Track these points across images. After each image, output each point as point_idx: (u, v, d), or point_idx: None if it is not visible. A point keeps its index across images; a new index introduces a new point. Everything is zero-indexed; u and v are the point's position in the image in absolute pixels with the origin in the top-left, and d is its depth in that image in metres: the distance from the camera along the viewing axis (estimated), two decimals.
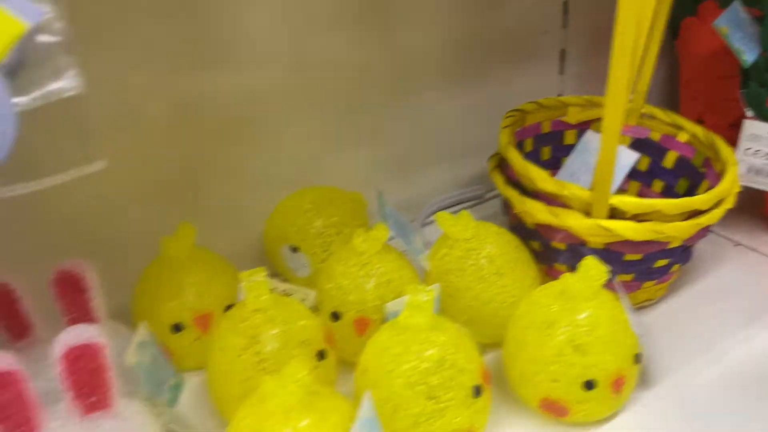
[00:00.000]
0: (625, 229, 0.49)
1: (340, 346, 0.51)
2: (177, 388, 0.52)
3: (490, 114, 0.76)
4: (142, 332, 0.49)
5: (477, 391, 0.44)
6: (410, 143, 0.73)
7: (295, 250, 0.60)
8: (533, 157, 0.67)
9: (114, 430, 0.40)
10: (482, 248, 0.52)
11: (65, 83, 0.29)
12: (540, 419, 0.48)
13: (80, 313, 0.47)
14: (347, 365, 0.51)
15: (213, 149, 0.60)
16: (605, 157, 0.47)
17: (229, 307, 0.54)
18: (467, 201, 0.78)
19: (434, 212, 0.74)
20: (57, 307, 0.47)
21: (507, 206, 0.59)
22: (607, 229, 0.49)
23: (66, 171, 0.28)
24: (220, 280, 0.55)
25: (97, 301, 0.47)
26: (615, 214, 0.50)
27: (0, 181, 0.25)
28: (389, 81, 0.69)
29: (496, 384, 0.48)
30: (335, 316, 0.52)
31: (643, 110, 0.65)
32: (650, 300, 0.59)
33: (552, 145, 0.68)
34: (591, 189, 0.50)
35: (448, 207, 0.77)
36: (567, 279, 0.45)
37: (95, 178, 0.54)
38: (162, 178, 0.58)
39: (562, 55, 0.82)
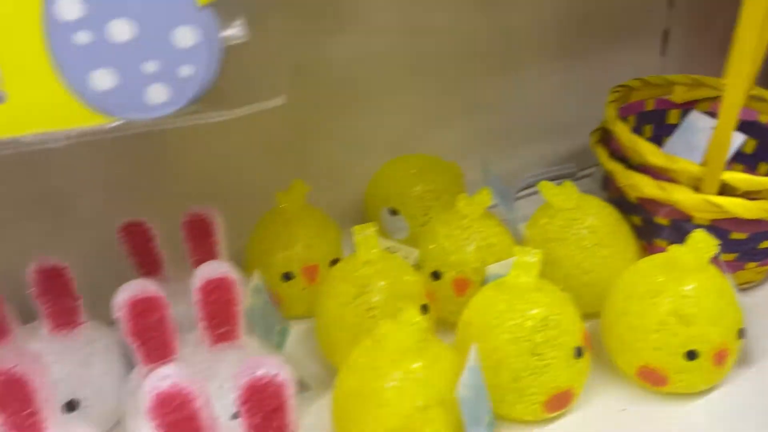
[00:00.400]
0: (735, 206, 0.49)
1: (439, 305, 0.53)
2: (284, 333, 0.56)
3: (585, 92, 0.76)
4: (256, 278, 0.52)
5: (579, 352, 0.45)
6: (506, 118, 0.74)
7: (394, 212, 0.63)
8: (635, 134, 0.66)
9: (238, 361, 0.44)
10: (585, 219, 0.53)
11: (234, 31, 0.32)
12: (636, 388, 0.49)
13: (205, 256, 0.51)
14: (444, 324, 0.53)
15: (323, 112, 0.63)
16: (721, 132, 0.47)
17: (334, 262, 0.57)
18: (559, 178, 0.78)
19: (524, 188, 0.75)
20: (184, 249, 0.51)
21: (608, 180, 0.59)
22: (716, 205, 0.49)
23: (251, 104, 0.31)
24: (326, 235, 0.58)
25: (221, 245, 0.51)
26: (724, 191, 0.50)
27: (198, 108, 0.28)
28: (492, 55, 0.70)
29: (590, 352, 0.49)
30: (436, 275, 0.54)
31: (752, 92, 0.64)
32: (750, 282, 0.58)
33: (654, 124, 0.67)
34: (702, 164, 0.50)
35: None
36: (675, 251, 0.46)
37: (220, 133, 0.58)
38: (276, 137, 0.61)
39: (665, 35, 0.81)
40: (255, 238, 0.58)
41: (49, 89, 0.25)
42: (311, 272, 0.56)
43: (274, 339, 0.54)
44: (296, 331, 0.57)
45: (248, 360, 0.35)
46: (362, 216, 0.67)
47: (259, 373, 0.34)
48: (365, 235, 0.49)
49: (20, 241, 0.48)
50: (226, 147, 0.57)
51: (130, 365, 0.49)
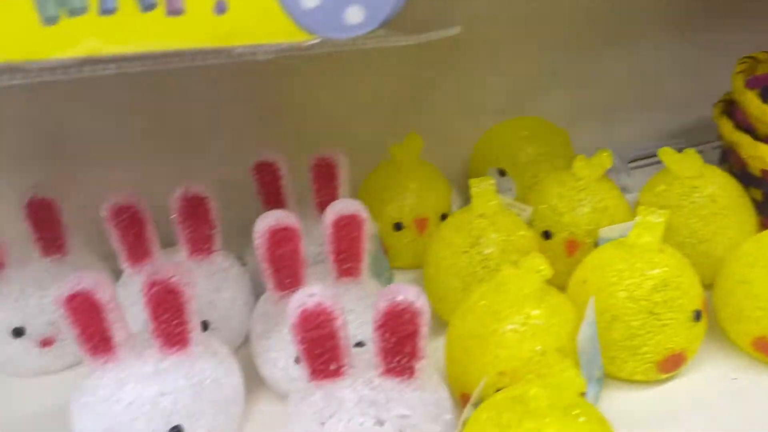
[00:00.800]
0: None
1: None
2: (390, 280, 0.58)
3: (699, 69, 0.74)
4: (371, 225, 0.54)
5: (697, 316, 0.45)
6: (617, 89, 0.73)
7: (502, 173, 0.63)
8: None
9: (360, 297, 0.46)
10: (705, 188, 0.52)
11: None
12: (748, 358, 0.49)
13: (329, 197, 0.53)
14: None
15: (437, 70, 0.64)
16: None
17: (443, 216, 0.59)
18: None
19: (629, 161, 0.74)
20: (309, 190, 0.54)
21: (728, 153, 0.58)
22: None
23: (429, 32, 0.32)
24: (437, 190, 0.59)
25: (344, 188, 0.53)
26: None
27: (385, 32, 0.30)
28: (608, 23, 0.69)
29: None
30: (546, 235, 0.55)
31: None
32: None
33: None
34: None
35: (645, 158, 0.76)
36: None
37: (343, 83, 0.60)
38: (391, 92, 0.63)
39: None
40: (367, 187, 0.60)
41: (265, 3, 0.27)
42: (421, 224, 0.58)
43: (383, 284, 0.56)
44: (400, 280, 0.59)
45: (389, 287, 0.37)
46: (466, 175, 0.68)
47: (399, 298, 0.36)
48: (482, 187, 0.51)
49: (163, 172, 0.52)
50: (346, 97, 0.60)
51: (254, 294, 0.52)
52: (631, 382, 0.47)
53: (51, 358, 0.50)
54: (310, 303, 0.36)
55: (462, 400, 0.43)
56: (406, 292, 0.36)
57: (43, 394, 0.49)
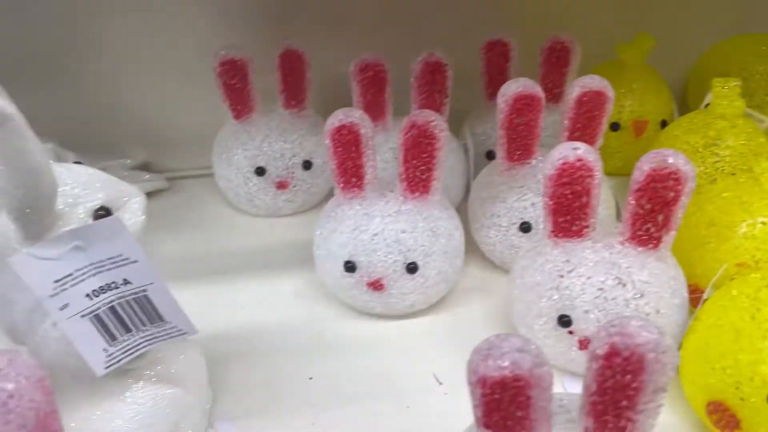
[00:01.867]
0: None
1: None
2: None
3: None
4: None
5: None
6: None
7: None
8: None
9: None
10: None
11: None
12: None
13: (556, 83, 0.53)
14: None
15: None
16: None
17: (663, 123, 0.57)
18: None
19: None
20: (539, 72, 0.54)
21: None
22: None
23: None
24: (660, 94, 0.57)
25: (573, 76, 0.53)
26: None
27: None
28: None
29: None
30: None
31: None
32: None
33: None
34: None
35: None
36: None
37: None
38: None
39: None
40: None
41: None
42: (640, 127, 0.57)
43: None
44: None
45: (656, 150, 0.36)
46: (685, 88, 0.65)
47: (669, 161, 0.35)
48: (727, 88, 0.48)
49: (396, 43, 0.54)
50: None
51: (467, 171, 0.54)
52: None
53: (283, 201, 0.55)
54: (573, 156, 0.37)
55: (688, 289, 0.43)
56: (676, 156, 0.35)
57: (274, 232, 0.54)
